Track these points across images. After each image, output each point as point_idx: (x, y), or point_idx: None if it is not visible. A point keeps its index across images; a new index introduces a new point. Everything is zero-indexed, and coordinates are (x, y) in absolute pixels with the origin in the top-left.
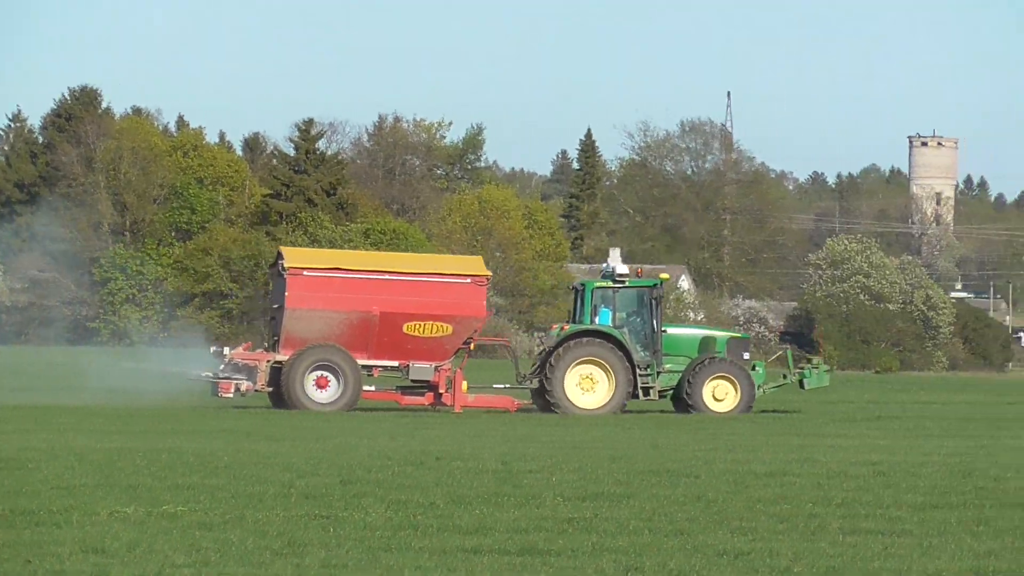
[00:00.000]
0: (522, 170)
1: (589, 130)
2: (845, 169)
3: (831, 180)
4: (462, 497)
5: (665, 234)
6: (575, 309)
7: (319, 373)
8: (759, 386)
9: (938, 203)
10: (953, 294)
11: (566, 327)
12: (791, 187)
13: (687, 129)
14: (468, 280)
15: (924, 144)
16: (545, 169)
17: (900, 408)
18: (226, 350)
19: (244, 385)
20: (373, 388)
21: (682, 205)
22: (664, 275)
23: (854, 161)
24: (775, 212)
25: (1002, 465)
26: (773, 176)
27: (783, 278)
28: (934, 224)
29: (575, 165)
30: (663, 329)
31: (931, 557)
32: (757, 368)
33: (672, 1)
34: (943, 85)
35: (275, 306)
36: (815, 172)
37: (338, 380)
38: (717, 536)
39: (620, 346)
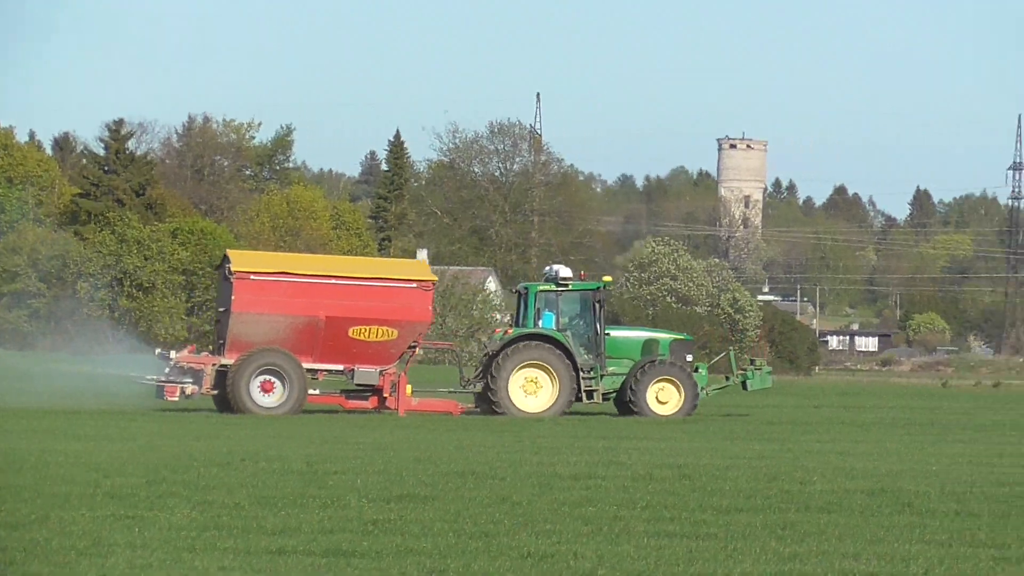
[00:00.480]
0: (331, 171)
1: (398, 131)
2: (653, 171)
3: (639, 182)
4: (268, 498)
5: (473, 235)
6: (518, 312)
7: (264, 377)
8: (702, 388)
9: (746, 206)
10: (760, 297)
11: (510, 331)
12: (599, 189)
13: (496, 131)
14: (414, 284)
15: (733, 147)
16: (354, 170)
17: (706, 410)
18: (172, 353)
19: (190, 388)
20: (318, 392)
21: (490, 207)
22: (607, 278)
23: (662, 163)
24: (583, 214)
25: (807, 469)
26: (581, 178)
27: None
28: (742, 227)
29: (384, 166)
30: (606, 332)
31: (736, 560)
32: (700, 370)
33: (481, 2)
34: (752, 88)
35: (221, 309)
36: (623, 174)
37: (283, 384)
38: (522, 538)
39: (564, 349)
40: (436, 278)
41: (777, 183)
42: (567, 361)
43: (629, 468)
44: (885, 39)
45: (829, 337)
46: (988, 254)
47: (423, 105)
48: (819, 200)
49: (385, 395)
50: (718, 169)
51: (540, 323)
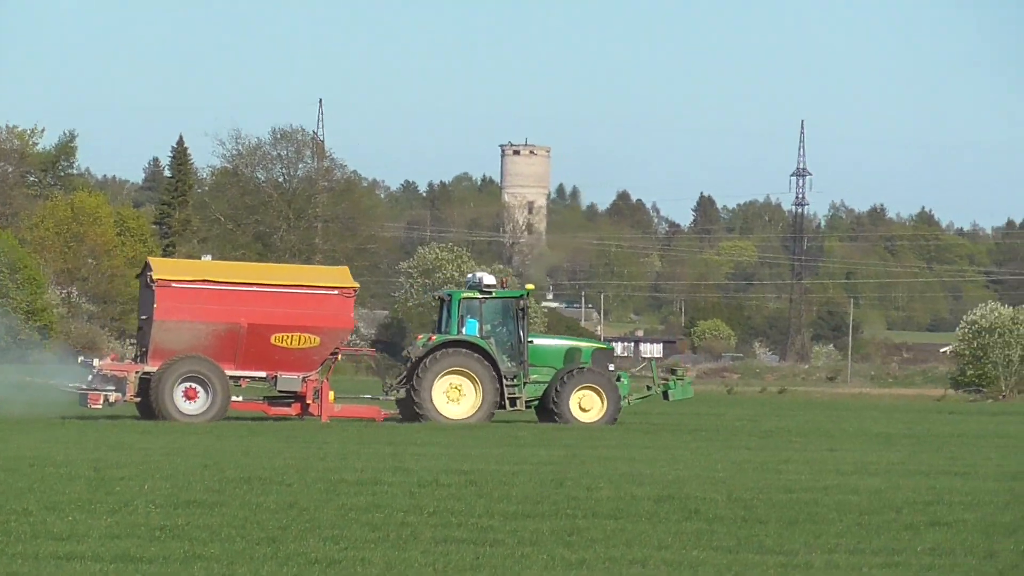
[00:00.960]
0: (114, 177)
1: (181, 137)
2: (437, 177)
3: (423, 188)
4: (55, 503)
5: (256, 242)
6: (441, 319)
7: (188, 384)
8: (624, 397)
9: (530, 212)
10: (544, 304)
11: (433, 337)
12: (383, 195)
13: (279, 137)
14: (336, 292)
15: (516, 153)
16: (137, 176)
17: (500, 417)
18: (95, 361)
19: (113, 396)
20: (240, 399)
21: (274, 213)
22: (530, 285)
23: (446, 169)
24: (367, 220)
25: (593, 475)
26: (365, 184)
27: (374, 286)
28: (526, 233)
29: (167, 172)
30: (529, 340)
31: (523, 566)
32: (622, 379)
33: (263, 6)
34: (535, 94)
35: (143, 317)
36: (407, 180)
37: (207, 391)
38: (309, 544)
39: (487, 356)
40: (358, 285)
41: (561, 189)
42: (491, 368)
43: (415, 474)
44: (665, 45)
45: (614, 344)
46: (772, 260)
47: (206, 111)
48: (603, 206)
49: (308, 402)
50: (502, 175)
51: (464, 330)
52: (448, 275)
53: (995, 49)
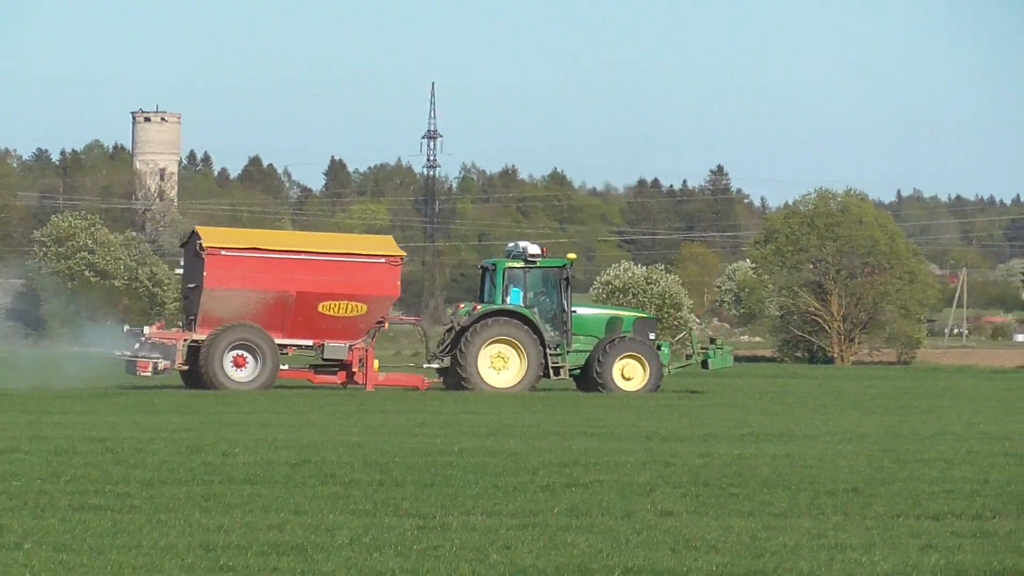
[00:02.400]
0: None
1: None
2: (69, 145)
3: (55, 157)
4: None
5: None
6: (483, 289)
7: (237, 352)
8: (664, 366)
9: (162, 178)
10: (178, 270)
11: (478, 307)
12: (16, 164)
13: None
14: (383, 260)
15: (147, 119)
16: None
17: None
18: (146, 329)
19: (162, 364)
20: (287, 367)
21: None
22: (572, 255)
23: (78, 137)
24: (0, 190)
25: (229, 441)
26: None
27: (9, 256)
28: (158, 200)
29: None
30: (572, 309)
31: (161, 532)
32: (663, 348)
33: None
34: (166, 60)
35: (191, 285)
36: (39, 149)
37: (256, 359)
38: None
39: (532, 326)
40: (404, 253)
41: (192, 155)
42: (535, 337)
43: (52, 442)
44: (287, 10)
45: None
46: (405, 223)
47: None
48: (235, 172)
49: (354, 370)
50: (133, 142)
51: (508, 299)
52: (81, 243)
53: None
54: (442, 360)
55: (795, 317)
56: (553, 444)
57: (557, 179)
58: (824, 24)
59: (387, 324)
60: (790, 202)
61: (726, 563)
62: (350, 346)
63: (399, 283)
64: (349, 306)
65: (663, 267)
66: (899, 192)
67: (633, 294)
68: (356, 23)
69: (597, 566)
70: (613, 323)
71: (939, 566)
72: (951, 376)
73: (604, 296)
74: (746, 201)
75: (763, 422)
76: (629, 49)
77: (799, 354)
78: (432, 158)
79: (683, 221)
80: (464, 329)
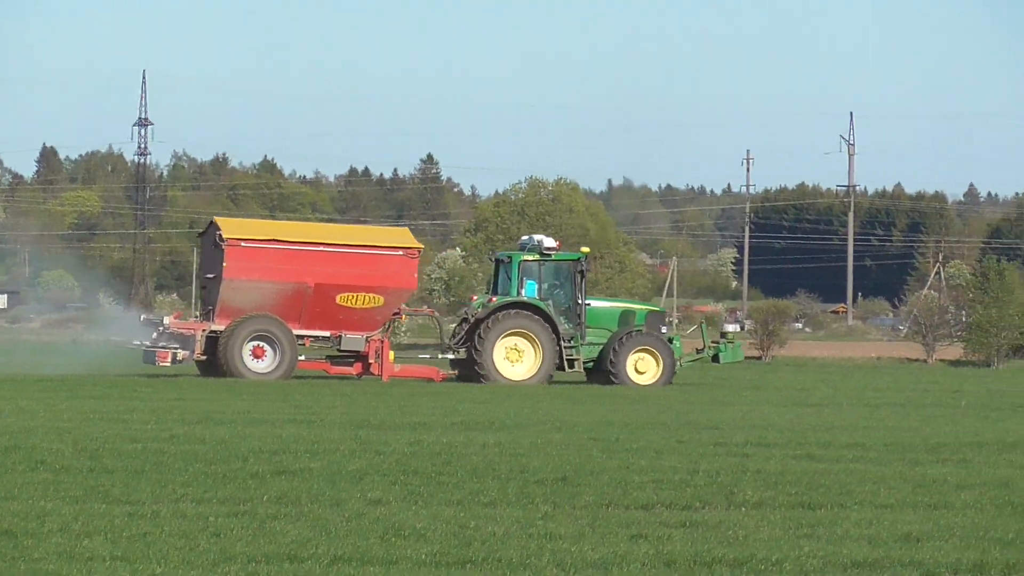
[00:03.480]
0: None
1: None
2: None
3: None
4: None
5: None
6: (497, 281)
7: (256, 343)
8: (677, 359)
9: None
10: None
11: (493, 299)
12: None
13: None
14: (400, 252)
15: None
16: None
17: None
18: (166, 319)
19: (181, 354)
20: (303, 357)
21: None
22: (585, 249)
23: None
24: None
25: None
26: None
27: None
28: None
29: None
30: (586, 302)
31: None
32: (674, 342)
33: None
34: None
35: (209, 276)
36: None
37: (275, 350)
38: None
39: (547, 318)
40: (422, 246)
41: None
42: (550, 330)
43: None
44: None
45: None
46: (116, 210)
47: None
48: None
49: (370, 361)
50: None
51: (523, 292)
52: None
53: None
54: (457, 352)
55: None
56: (263, 432)
57: (268, 167)
58: (529, 13)
59: (404, 316)
60: (501, 191)
61: (435, 551)
62: (367, 337)
63: (416, 275)
64: (367, 298)
65: None
66: (610, 181)
67: None
68: (66, 9)
69: (307, 554)
70: (626, 316)
71: (648, 555)
72: None
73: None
74: (456, 190)
75: (473, 410)
76: (337, 39)
77: None
78: (143, 145)
79: (393, 209)
80: (480, 321)
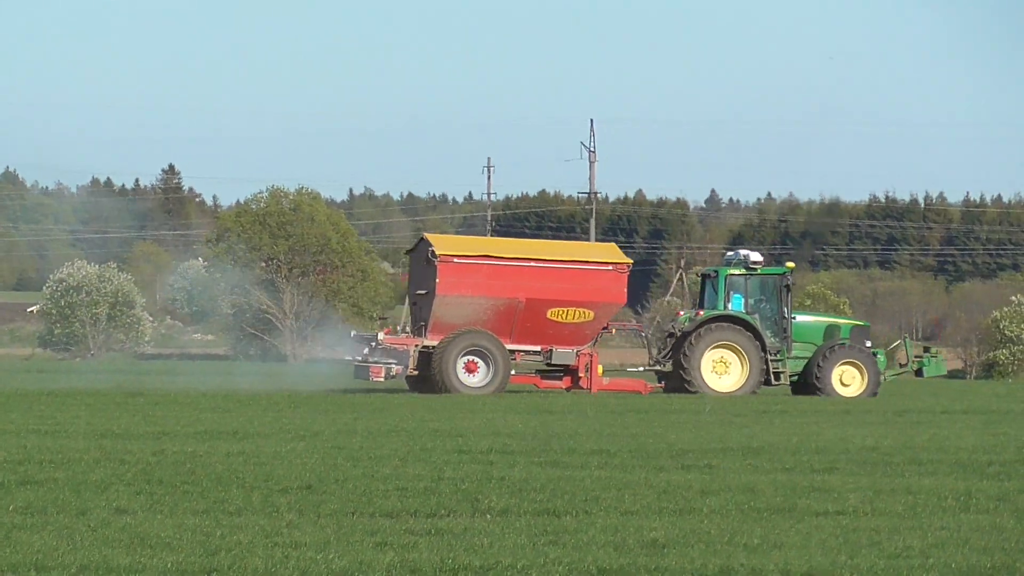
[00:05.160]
0: None
1: None
2: None
3: None
4: None
5: None
6: (703, 295)
7: (469, 358)
8: (881, 373)
9: None
10: None
11: (700, 312)
12: None
13: None
14: (610, 267)
15: None
16: None
17: None
18: (380, 335)
19: (395, 369)
20: (514, 372)
21: None
22: (790, 264)
23: None
24: None
25: None
26: None
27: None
28: None
29: None
30: (792, 316)
31: None
32: (878, 356)
33: None
34: None
35: (420, 292)
36: None
37: (487, 364)
38: None
39: (754, 331)
40: (631, 261)
41: None
42: (756, 343)
43: None
44: None
45: None
46: None
47: None
48: None
49: (580, 375)
50: None
51: (729, 306)
52: None
53: None
54: (664, 365)
55: (248, 315)
56: (6, 442)
57: (10, 178)
58: (258, 19)
59: (613, 330)
60: (242, 200)
61: (181, 561)
62: (577, 352)
63: (625, 290)
64: (577, 312)
65: (116, 266)
66: (351, 190)
67: (87, 292)
68: None
69: (53, 563)
70: (831, 331)
71: (393, 563)
72: None
73: (58, 294)
74: (198, 200)
75: (216, 419)
76: (72, 45)
77: (252, 352)
78: None
79: (136, 220)
80: (687, 335)
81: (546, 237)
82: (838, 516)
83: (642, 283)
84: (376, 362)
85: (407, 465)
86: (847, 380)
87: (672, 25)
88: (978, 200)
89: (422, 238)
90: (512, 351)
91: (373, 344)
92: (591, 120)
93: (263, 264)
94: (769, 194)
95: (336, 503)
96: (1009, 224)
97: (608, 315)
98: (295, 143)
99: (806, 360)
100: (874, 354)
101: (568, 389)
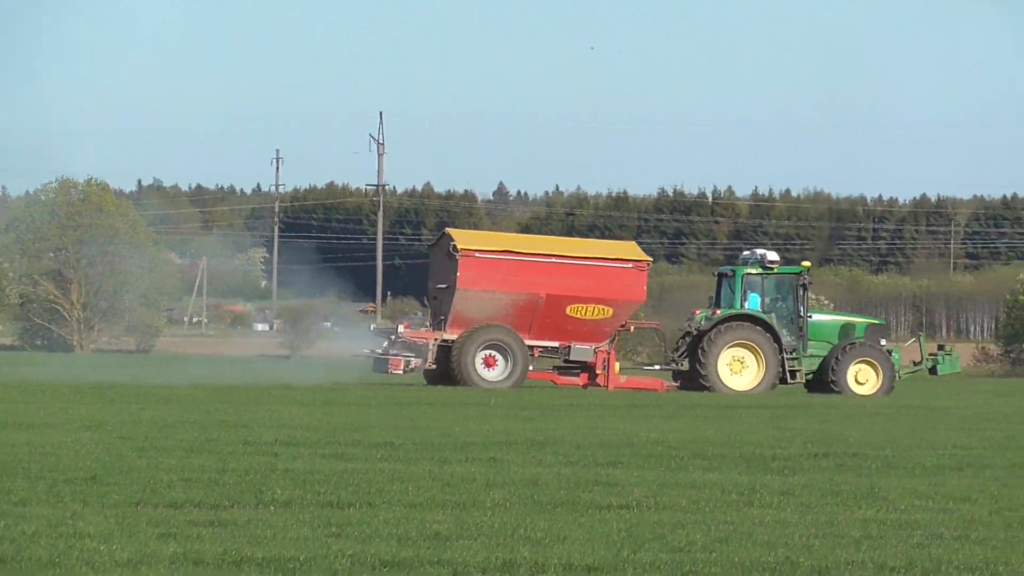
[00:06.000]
0: None
1: None
2: None
3: None
4: None
5: None
6: (719, 294)
7: (487, 352)
8: (896, 371)
9: None
10: None
11: (717, 312)
12: None
13: None
14: (630, 265)
15: None
16: None
17: None
18: (401, 328)
19: (414, 362)
20: (531, 368)
21: None
22: (806, 263)
23: None
24: None
25: None
26: None
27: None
28: None
29: None
30: (809, 315)
31: None
32: (893, 354)
33: None
34: None
35: (440, 286)
36: None
37: (506, 359)
38: None
39: (770, 330)
40: (651, 259)
41: None
42: (773, 342)
43: None
44: None
45: None
46: None
47: None
48: None
49: (597, 372)
50: None
51: (746, 305)
52: None
53: None
54: (680, 363)
55: (35, 306)
56: None
57: None
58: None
59: (632, 327)
60: (32, 191)
61: None
62: (595, 348)
63: (645, 288)
64: (596, 309)
65: None
66: (139, 181)
67: None
68: None
69: None
70: (847, 329)
71: (177, 554)
72: (197, 364)
73: None
74: None
75: (1, 410)
76: None
77: (39, 342)
78: None
79: None
80: (703, 333)
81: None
82: (622, 510)
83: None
84: (396, 355)
85: (192, 456)
86: (862, 378)
87: (462, 18)
88: (767, 194)
89: (444, 232)
90: (531, 347)
91: (393, 337)
92: (380, 113)
93: (51, 254)
94: (557, 187)
95: (121, 494)
96: (798, 219)
97: (627, 313)
98: (83, 134)
99: (821, 359)
100: (890, 352)
101: (585, 386)
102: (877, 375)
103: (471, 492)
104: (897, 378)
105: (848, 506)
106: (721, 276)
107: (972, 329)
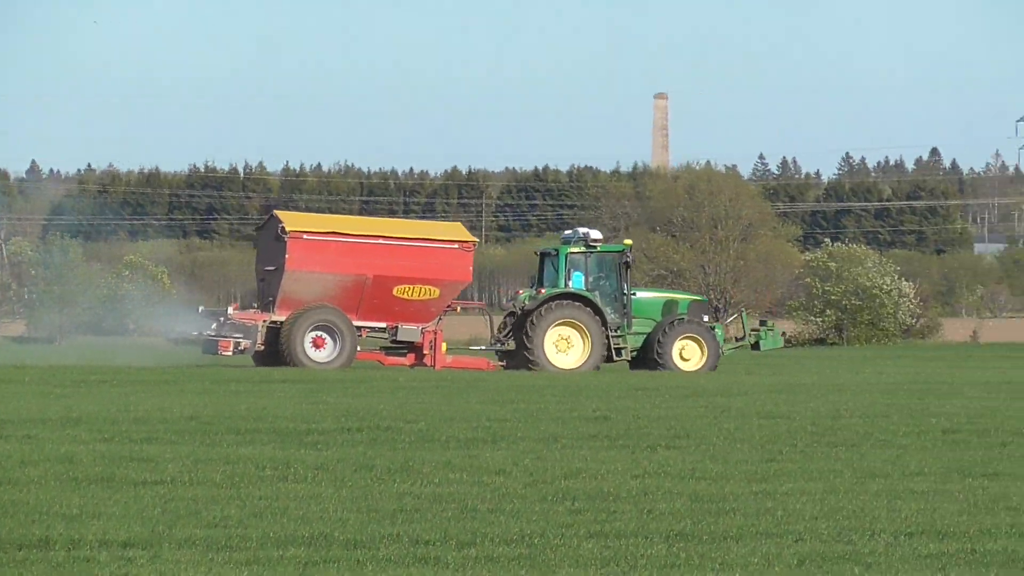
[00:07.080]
0: None
1: None
2: None
3: None
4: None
5: None
6: (542, 273)
7: (316, 333)
8: (720, 347)
9: None
10: None
11: (542, 291)
12: None
13: None
14: (456, 245)
15: None
16: None
17: None
18: (230, 310)
19: (244, 343)
20: (359, 348)
21: None
22: (628, 241)
23: None
24: None
25: None
26: None
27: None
28: None
29: None
30: (632, 292)
31: None
32: (716, 330)
33: None
34: None
35: (268, 268)
36: None
37: (335, 340)
38: None
39: (595, 308)
40: (476, 240)
41: None
42: (598, 320)
43: None
44: None
45: None
46: None
47: None
48: None
49: (424, 352)
50: None
51: (570, 283)
52: None
53: None
54: (506, 343)
55: None
56: None
57: None
58: None
59: (458, 308)
60: None
61: None
62: (422, 329)
63: (471, 268)
64: (423, 290)
65: None
66: None
67: None
68: None
69: None
70: (670, 306)
71: None
72: None
73: None
74: None
75: None
76: None
77: None
78: None
79: None
80: (529, 312)
81: None
82: (157, 485)
83: None
84: (225, 337)
85: None
86: (687, 355)
87: None
88: (298, 169)
89: (271, 215)
90: (359, 327)
91: (222, 319)
92: None
93: None
94: (89, 165)
95: None
96: (328, 193)
97: (453, 293)
98: None
99: (645, 336)
100: (712, 328)
101: (412, 366)
102: (702, 351)
103: (5, 470)
104: (721, 354)
105: (383, 480)
106: (544, 255)
107: (502, 301)
